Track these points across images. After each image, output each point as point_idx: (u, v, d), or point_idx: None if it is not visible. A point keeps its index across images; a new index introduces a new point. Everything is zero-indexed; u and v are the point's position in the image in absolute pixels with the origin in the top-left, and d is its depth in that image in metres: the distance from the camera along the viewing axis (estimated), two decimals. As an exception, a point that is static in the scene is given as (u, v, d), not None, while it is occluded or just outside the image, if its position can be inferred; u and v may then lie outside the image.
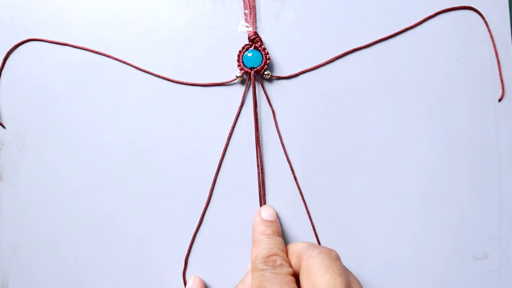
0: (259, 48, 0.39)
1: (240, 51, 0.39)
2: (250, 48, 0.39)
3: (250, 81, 0.39)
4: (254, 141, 0.38)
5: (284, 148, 0.39)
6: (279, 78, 0.39)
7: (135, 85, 0.40)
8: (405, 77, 0.40)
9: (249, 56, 0.39)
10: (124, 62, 0.39)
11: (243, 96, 0.39)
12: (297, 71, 0.39)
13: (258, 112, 0.39)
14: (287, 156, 0.39)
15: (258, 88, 0.39)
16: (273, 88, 0.39)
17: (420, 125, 0.39)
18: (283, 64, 0.39)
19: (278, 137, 0.39)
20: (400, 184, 0.39)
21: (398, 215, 0.38)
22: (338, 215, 0.39)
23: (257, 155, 0.37)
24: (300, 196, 0.38)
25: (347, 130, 0.39)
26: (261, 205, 0.37)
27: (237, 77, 0.39)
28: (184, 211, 0.38)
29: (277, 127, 0.39)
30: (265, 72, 0.38)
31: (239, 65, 0.39)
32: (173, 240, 0.39)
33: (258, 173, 0.37)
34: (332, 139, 0.39)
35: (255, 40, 0.39)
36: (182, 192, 0.39)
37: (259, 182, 0.37)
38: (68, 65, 0.40)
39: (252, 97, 0.39)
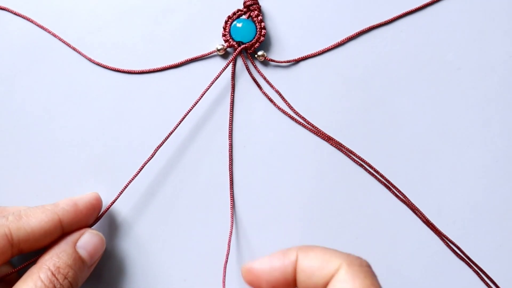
0: (254, 18, 0.35)
1: (229, 17, 0.36)
2: (243, 17, 0.36)
3: (238, 60, 0.36)
4: (228, 147, 0.36)
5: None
6: (276, 62, 0.36)
7: (92, 74, 0.37)
8: (453, 56, 0.38)
9: (238, 27, 0.35)
10: (77, 51, 0.36)
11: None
12: (305, 54, 0.36)
13: (239, 100, 0.36)
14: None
15: (243, 71, 0.37)
16: (267, 73, 0.37)
17: (474, 121, 0.37)
18: (284, 43, 0.37)
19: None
20: (446, 199, 0.36)
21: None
22: (361, 240, 0.36)
23: (230, 170, 0.35)
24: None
25: (375, 127, 0.37)
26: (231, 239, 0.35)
27: (218, 50, 0.35)
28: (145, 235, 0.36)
29: (294, 110, 0.36)
30: (259, 53, 0.35)
31: (224, 35, 0.36)
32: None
33: (231, 196, 0.35)
34: (353, 139, 0.37)
35: (251, 8, 0.36)
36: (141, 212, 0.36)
37: (231, 213, 0.35)
38: (7, 39, 0.37)
39: (230, 80, 0.36)
